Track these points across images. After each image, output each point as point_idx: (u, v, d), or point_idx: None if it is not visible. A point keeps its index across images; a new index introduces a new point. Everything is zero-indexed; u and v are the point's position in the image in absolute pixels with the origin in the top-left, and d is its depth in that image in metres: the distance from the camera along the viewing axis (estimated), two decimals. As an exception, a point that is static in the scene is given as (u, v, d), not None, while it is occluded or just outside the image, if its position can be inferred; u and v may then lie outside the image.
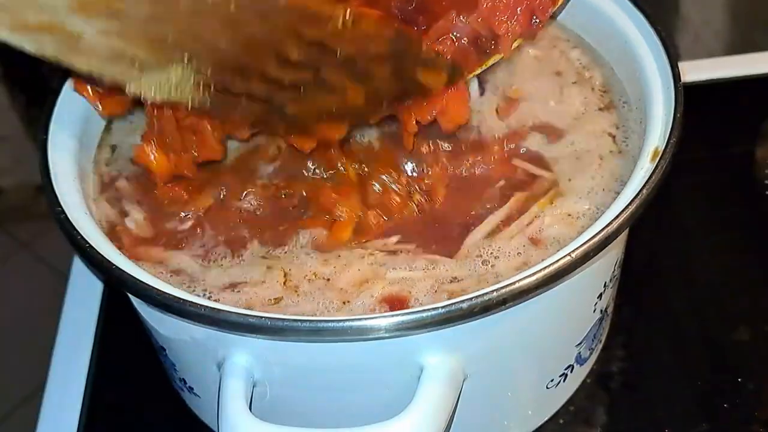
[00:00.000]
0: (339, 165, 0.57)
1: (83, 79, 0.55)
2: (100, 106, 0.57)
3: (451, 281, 0.52)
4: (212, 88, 0.50)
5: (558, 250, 0.48)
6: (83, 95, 0.57)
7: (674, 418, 0.63)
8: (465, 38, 0.54)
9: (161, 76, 0.49)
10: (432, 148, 0.58)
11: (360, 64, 0.51)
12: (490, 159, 0.58)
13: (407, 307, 0.50)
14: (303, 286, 0.53)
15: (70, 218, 0.52)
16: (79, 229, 0.52)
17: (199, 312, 0.47)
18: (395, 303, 0.51)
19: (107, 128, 0.63)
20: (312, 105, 0.52)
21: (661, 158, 0.52)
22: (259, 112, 0.52)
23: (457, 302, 0.45)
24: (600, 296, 0.57)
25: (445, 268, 0.53)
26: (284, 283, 0.53)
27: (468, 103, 0.55)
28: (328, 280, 0.53)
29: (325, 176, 0.57)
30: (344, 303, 0.52)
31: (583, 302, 0.56)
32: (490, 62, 0.57)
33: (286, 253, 0.55)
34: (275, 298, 0.53)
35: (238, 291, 0.53)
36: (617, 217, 0.49)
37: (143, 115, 0.63)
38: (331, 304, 0.52)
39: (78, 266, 0.76)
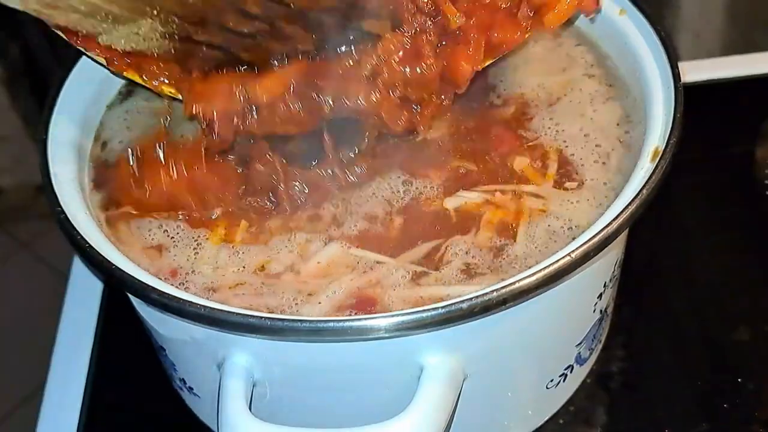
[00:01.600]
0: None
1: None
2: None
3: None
4: (176, 38, 0.54)
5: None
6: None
7: (674, 418, 0.63)
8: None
9: (131, 29, 0.54)
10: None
11: (312, 15, 0.54)
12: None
13: (375, 304, 0.51)
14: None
15: (70, 218, 0.52)
16: (79, 229, 0.52)
17: (198, 312, 0.47)
18: (364, 299, 0.52)
19: (101, 125, 0.63)
20: (266, 52, 0.55)
21: (661, 158, 0.52)
22: (216, 58, 0.56)
23: (457, 302, 0.45)
24: (600, 296, 0.57)
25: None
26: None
27: None
28: (298, 272, 0.53)
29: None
30: (310, 295, 0.52)
31: (583, 302, 0.56)
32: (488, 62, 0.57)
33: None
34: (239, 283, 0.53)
35: (200, 273, 0.54)
36: (617, 217, 0.49)
37: (136, 112, 0.64)
38: (299, 294, 0.52)
39: (78, 266, 0.76)
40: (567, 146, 0.58)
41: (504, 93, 0.62)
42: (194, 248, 0.55)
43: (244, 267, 0.54)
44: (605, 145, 0.58)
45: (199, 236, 0.56)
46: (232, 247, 0.55)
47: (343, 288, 0.52)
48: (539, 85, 0.62)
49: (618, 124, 0.59)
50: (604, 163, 0.57)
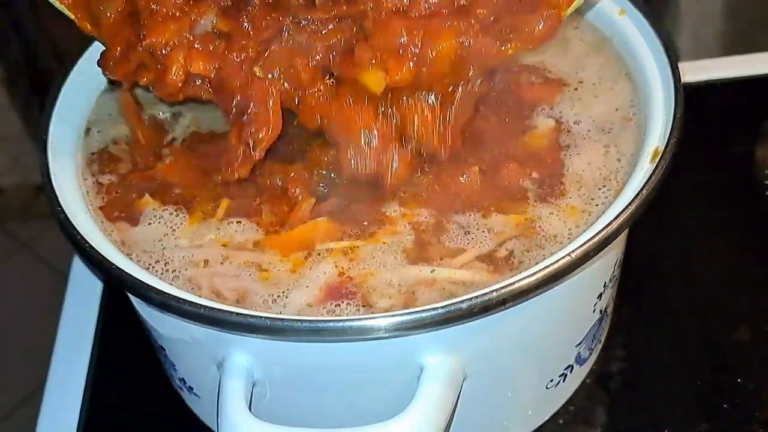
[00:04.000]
0: None
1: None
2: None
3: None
4: None
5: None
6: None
7: (674, 418, 0.63)
8: None
9: None
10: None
11: None
12: None
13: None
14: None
15: (70, 218, 0.52)
16: (79, 229, 0.52)
17: (198, 312, 0.47)
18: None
19: (93, 126, 0.63)
20: None
21: (661, 158, 0.52)
22: None
23: (457, 302, 0.45)
24: (600, 296, 0.57)
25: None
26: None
27: None
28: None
29: None
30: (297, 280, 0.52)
31: (583, 302, 0.56)
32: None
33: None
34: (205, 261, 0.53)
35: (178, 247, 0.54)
36: (617, 217, 0.49)
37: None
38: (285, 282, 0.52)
39: (78, 266, 0.76)
40: (568, 136, 0.58)
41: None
42: (172, 227, 0.55)
43: (227, 246, 0.54)
44: (606, 137, 0.58)
45: (179, 214, 0.56)
46: (213, 224, 0.55)
47: (330, 270, 0.52)
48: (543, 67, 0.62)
49: (618, 109, 0.59)
50: (607, 152, 0.57)
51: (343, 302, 0.50)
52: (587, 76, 0.61)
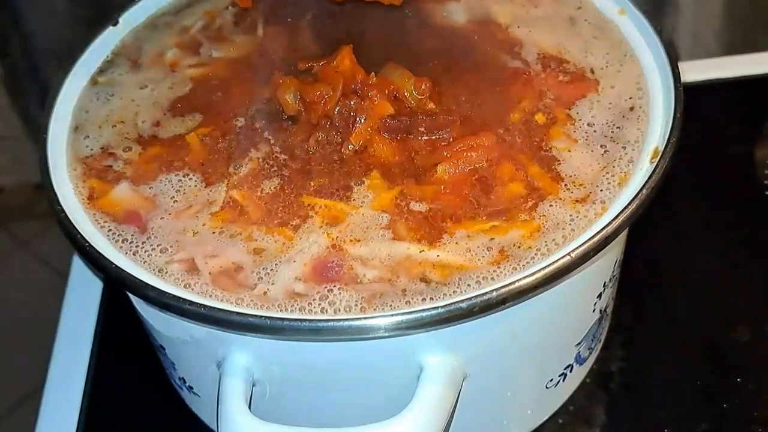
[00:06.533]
0: None
1: None
2: None
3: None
4: None
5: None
6: None
7: (674, 418, 0.63)
8: None
9: None
10: None
11: None
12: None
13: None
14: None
15: (70, 218, 0.52)
16: (79, 229, 0.52)
17: (198, 311, 0.47)
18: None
19: (92, 126, 0.63)
20: None
21: (660, 158, 0.52)
22: None
23: (457, 302, 0.45)
24: (599, 296, 0.57)
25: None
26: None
27: None
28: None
29: None
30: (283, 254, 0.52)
31: (583, 302, 0.56)
32: None
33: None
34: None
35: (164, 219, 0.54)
36: (617, 217, 0.49)
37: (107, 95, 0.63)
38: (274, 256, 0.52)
39: (78, 266, 0.76)
40: (570, 119, 0.58)
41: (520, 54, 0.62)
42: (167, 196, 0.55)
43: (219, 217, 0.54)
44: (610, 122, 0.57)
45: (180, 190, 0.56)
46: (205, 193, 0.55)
47: (318, 243, 0.51)
48: (555, 50, 0.62)
49: (627, 97, 0.58)
50: (609, 138, 0.56)
51: (335, 286, 0.50)
52: (596, 61, 0.61)
